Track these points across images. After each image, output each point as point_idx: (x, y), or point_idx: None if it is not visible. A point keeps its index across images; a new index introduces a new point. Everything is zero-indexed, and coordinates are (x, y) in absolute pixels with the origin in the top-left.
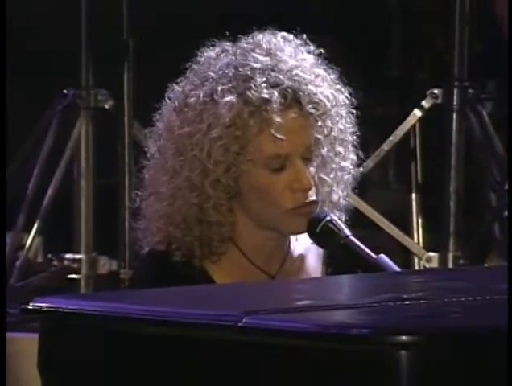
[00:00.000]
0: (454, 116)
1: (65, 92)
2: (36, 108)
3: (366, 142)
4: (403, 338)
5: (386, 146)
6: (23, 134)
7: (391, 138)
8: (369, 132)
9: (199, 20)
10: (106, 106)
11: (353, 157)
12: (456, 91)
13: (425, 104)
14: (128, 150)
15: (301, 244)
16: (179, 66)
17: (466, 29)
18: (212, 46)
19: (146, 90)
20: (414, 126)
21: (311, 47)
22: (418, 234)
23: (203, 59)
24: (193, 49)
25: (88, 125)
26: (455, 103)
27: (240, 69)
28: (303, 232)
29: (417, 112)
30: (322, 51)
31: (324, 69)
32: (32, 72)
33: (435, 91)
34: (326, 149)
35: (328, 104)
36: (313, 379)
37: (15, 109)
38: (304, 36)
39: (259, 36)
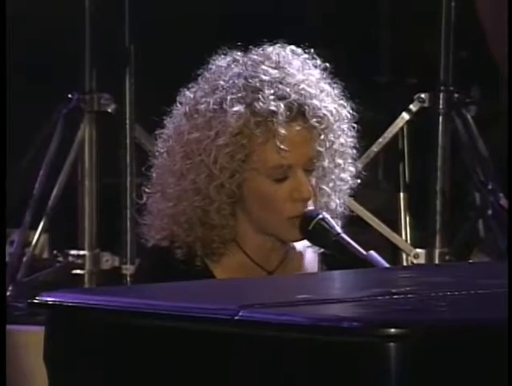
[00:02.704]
0: (440, 119)
1: (70, 96)
2: (42, 111)
3: (357, 144)
4: (392, 330)
5: (375, 148)
6: (30, 137)
7: (380, 140)
8: (360, 134)
9: (197, 28)
10: (109, 110)
11: (352, 169)
12: (442, 95)
13: (413, 107)
14: (130, 152)
15: (300, 243)
16: (179, 71)
17: (452, 37)
18: (224, 55)
19: (146, 94)
20: (402, 129)
21: (318, 62)
22: (406, 231)
23: (214, 67)
24: (192, 56)
25: (92, 127)
26: (441, 107)
27: (249, 80)
28: (301, 240)
29: (405, 116)
30: (328, 64)
31: (329, 84)
32: (39, 78)
33: (422, 95)
34: (327, 161)
35: (332, 119)
36: (306, 370)
37: (23, 113)
38: (312, 50)
39: (269, 49)
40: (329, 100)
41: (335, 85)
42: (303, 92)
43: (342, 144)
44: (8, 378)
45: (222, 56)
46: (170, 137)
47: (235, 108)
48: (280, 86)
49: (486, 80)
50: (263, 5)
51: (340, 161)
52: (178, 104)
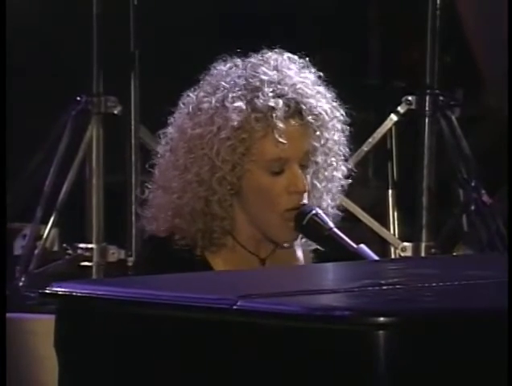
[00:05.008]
0: (426, 120)
1: (78, 99)
2: (52, 113)
3: (348, 143)
4: (381, 319)
5: (365, 147)
6: (41, 137)
7: (370, 140)
8: (350, 134)
9: (198, 33)
10: (115, 112)
11: (343, 168)
12: (428, 98)
13: (400, 109)
14: (134, 152)
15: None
16: (181, 75)
17: (437, 43)
18: (224, 61)
19: (151, 96)
20: (390, 129)
21: (312, 69)
22: (394, 226)
23: (215, 71)
24: (193, 60)
25: (99, 128)
26: (427, 109)
27: (250, 80)
28: (291, 241)
29: (393, 117)
30: (321, 74)
31: (323, 88)
32: (50, 81)
33: (410, 98)
34: (320, 158)
35: (326, 117)
36: (300, 357)
37: (34, 114)
38: (307, 59)
39: (267, 54)
40: (324, 101)
41: (329, 90)
42: (300, 91)
43: (335, 141)
44: (20, 364)
45: (222, 62)
46: (173, 135)
47: (236, 104)
48: (279, 86)
49: (469, 83)
50: (261, 8)
51: (332, 159)
52: (181, 106)
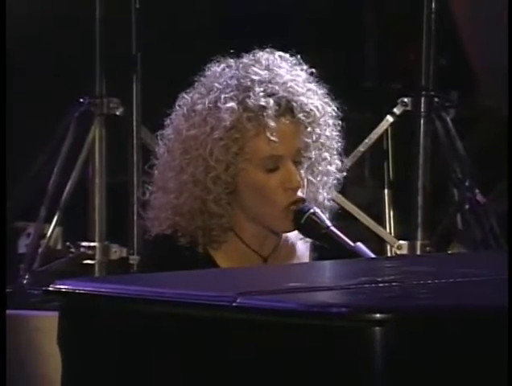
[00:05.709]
0: (421, 121)
1: (81, 100)
2: (56, 114)
3: (345, 144)
4: (378, 316)
5: (362, 148)
6: (45, 137)
7: (367, 141)
8: (347, 134)
9: (198, 36)
10: (117, 113)
11: (338, 162)
12: (423, 99)
13: (396, 110)
14: (136, 152)
15: (292, 232)
16: (182, 77)
17: (432, 46)
18: (218, 62)
19: (152, 98)
20: (386, 130)
21: (304, 66)
22: (390, 225)
23: (209, 72)
24: (194, 63)
25: (102, 129)
26: (422, 110)
27: (241, 80)
28: (292, 231)
29: (389, 118)
30: (313, 70)
31: (315, 84)
32: (54, 83)
33: (405, 99)
34: (314, 153)
35: (318, 114)
36: (298, 353)
37: (38, 115)
38: (299, 56)
39: (259, 54)
40: (315, 98)
41: (320, 86)
42: (290, 89)
43: (328, 137)
44: (24, 361)
45: (217, 63)
46: (170, 136)
47: (228, 105)
48: (269, 85)
49: (464, 85)
50: (259, 10)
51: (326, 154)
52: (177, 107)
